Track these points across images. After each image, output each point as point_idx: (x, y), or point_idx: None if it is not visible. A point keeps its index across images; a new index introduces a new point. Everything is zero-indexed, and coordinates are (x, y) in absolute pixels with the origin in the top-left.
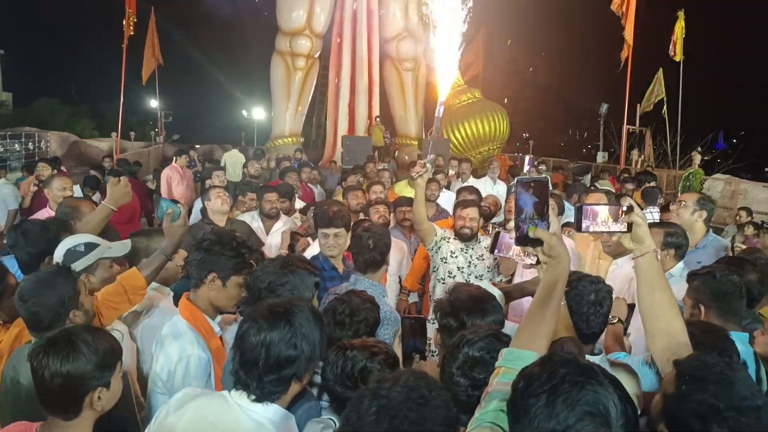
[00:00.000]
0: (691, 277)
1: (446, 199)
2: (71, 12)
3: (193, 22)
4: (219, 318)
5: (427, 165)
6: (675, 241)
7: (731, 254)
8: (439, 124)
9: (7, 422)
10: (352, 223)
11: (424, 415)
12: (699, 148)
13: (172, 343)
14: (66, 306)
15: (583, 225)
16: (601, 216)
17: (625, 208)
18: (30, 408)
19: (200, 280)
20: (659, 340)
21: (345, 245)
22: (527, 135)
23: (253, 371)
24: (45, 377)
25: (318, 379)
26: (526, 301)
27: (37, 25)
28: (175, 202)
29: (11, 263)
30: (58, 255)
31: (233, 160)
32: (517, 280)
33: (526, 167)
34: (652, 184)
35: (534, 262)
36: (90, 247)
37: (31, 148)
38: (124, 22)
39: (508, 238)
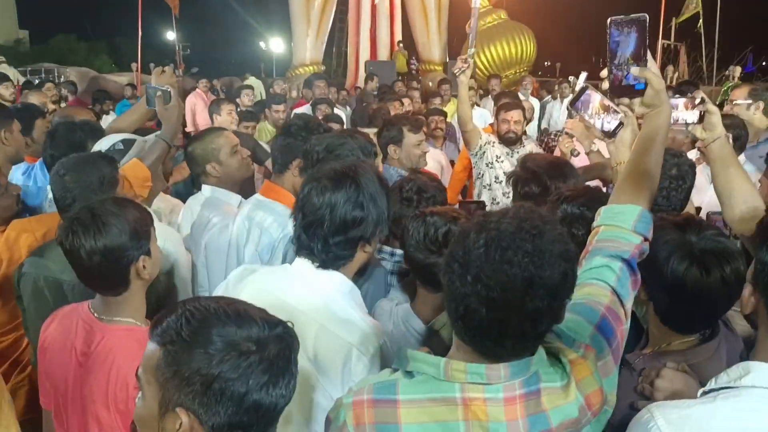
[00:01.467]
0: None
1: (478, 116)
2: None
3: None
4: None
5: (469, 60)
6: (733, 133)
7: None
8: (475, 16)
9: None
10: None
11: (540, 247)
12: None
13: (268, 218)
14: (103, 189)
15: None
16: (679, 107)
17: (698, 101)
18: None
19: (284, 165)
20: (737, 209)
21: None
22: (548, 63)
23: (317, 233)
24: (83, 257)
25: (388, 259)
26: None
27: None
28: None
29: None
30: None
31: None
32: None
33: (581, 83)
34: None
35: (614, 127)
36: (128, 143)
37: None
38: None
39: (594, 96)
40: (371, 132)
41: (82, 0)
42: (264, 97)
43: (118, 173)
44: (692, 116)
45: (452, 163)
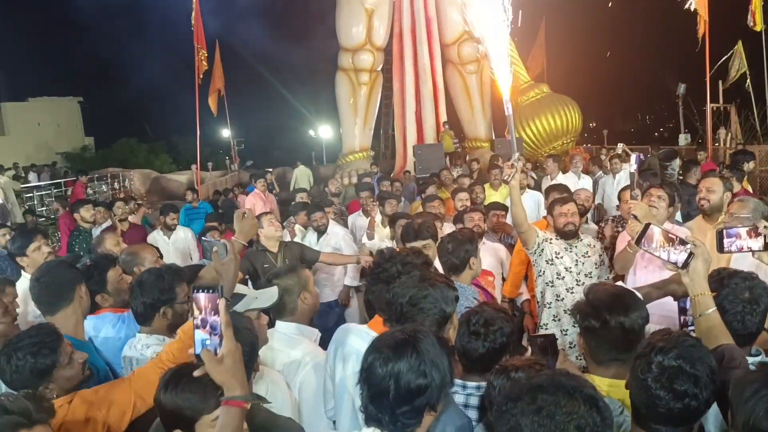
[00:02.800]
0: None
1: (530, 199)
2: (140, 53)
3: (257, 51)
4: None
5: (515, 164)
6: None
7: None
8: (511, 123)
9: None
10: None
11: None
12: None
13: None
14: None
15: (726, 243)
16: (743, 235)
17: (761, 229)
18: None
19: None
20: None
21: (434, 256)
22: (594, 124)
23: (384, 404)
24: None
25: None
26: (669, 301)
27: (111, 70)
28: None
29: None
30: None
31: (302, 173)
32: (630, 279)
33: (633, 166)
34: (751, 164)
35: (684, 258)
36: (236, 298)
37: (117, 187)
38: (195, 58)
39: (656, 230)
40: (420, 244)
41: (141, 104)
42: (312, 182)
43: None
44: (757, 243)
45: None
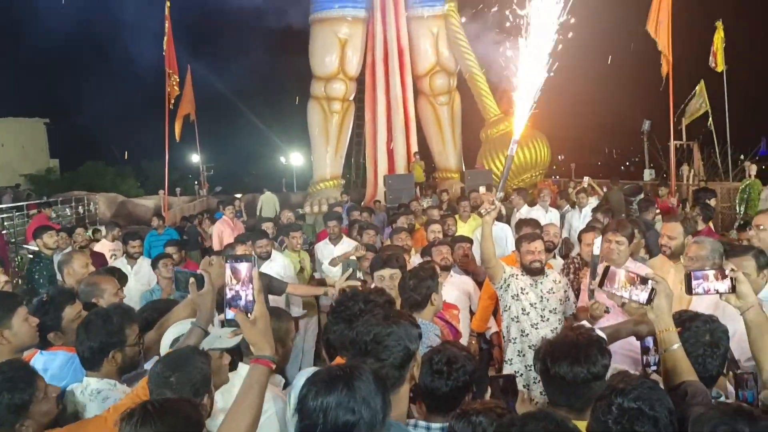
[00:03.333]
0: None
1: (499, 231)
2: (110, 75)
3: (229, 76)
4: None
5: (496, 202)
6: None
7: None
8: (509, 162)
9: None
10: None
11: None
12: (748, 159)
13: None
14: (206, 386)
15: (694, 285)
16: (710, 277)
17: (728, 271)
18: None
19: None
20: None
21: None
22: (562, 157)
23: None
24: None
25: None
26: (633, 340)
27: (79, 91)
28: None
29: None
30: (165, 345)
31: (268, 200)
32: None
33: (587, 216)
34: (712, 201)
35: (647, 295)
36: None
37: (81, 211)
38: (166, 83)
39: (619, 271)
40: (388, 273)
41: (110, 127)
42: (278, 209)
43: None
44: (724, 286)
45: None
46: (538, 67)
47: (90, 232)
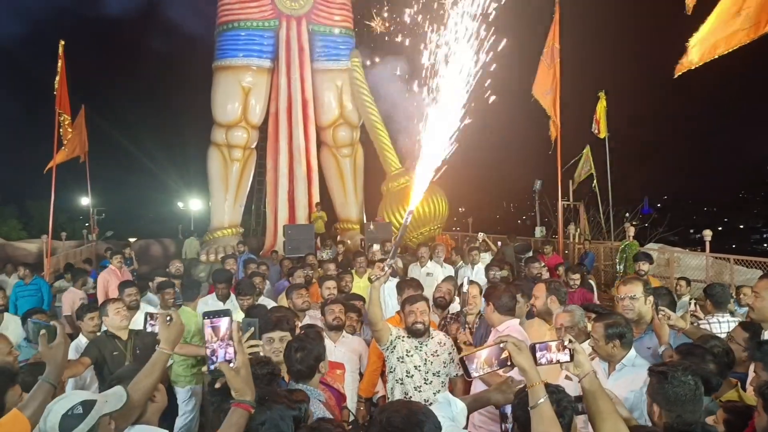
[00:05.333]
0: (649, 372)
1: (395, 287)
2: None
3: (124, 117)
4: None
5: (386, 269)
6: (617, 332)
7: None
8: (404, 231)
9: None
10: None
11: None
12: (629, 221)
13: None
14: None
15: (538, 356)
16: (552, 348)
17: (566, 343)
18: None
19: None
20: None
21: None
22: (463, 209)
23: None
24: None
25: None
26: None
27: None
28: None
29: None
30: (52, 424)
31: (190, 245)
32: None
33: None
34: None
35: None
36: (88, 406)
37: None
38: (55, 122)
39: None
40: (278, 336)
41: None
42: (198, 255)
43: None
44: (565, 356)
45: None
46: (442, 141)
47: None
